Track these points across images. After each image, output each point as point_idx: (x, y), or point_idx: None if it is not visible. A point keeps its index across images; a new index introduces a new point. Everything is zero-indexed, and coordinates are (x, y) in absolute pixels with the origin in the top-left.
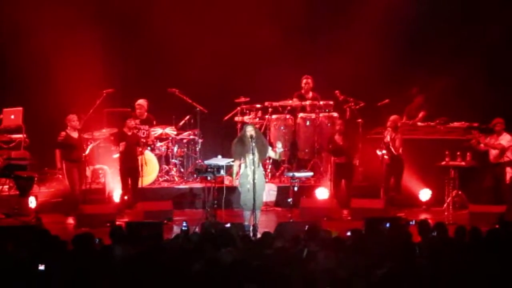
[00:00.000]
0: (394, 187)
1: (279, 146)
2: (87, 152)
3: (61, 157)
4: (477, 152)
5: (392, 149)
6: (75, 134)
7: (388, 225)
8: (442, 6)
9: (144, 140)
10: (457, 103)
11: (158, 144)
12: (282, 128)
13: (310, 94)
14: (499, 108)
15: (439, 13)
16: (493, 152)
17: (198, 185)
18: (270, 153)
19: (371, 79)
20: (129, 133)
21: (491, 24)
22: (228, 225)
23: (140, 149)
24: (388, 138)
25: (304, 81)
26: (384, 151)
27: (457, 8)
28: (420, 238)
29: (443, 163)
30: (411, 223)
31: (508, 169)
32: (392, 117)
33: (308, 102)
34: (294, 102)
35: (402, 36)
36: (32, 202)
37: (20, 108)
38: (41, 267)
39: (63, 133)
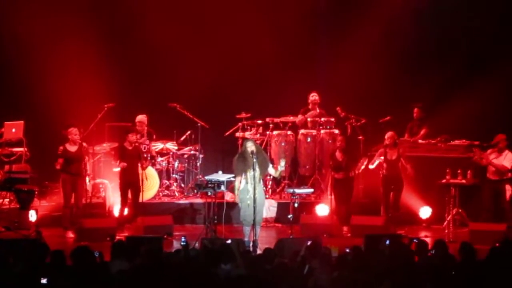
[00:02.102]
0: (393, 204)
1: (282, 164)
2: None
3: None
4: (478, 168)
5: (404, 166)
6: (73, 148)
7: (388, 242)
8: (445, 22)
9: (146, 155)
10: (459, 121)
11: (159, 159)
12: (283, 144)
13: (317, 111)
14: (501, 125)
15: (442, 29)
16: (492, 169)
17: (198, 200)
18: (271, 170)
19: (373, 96)
20: (130, 148)
21: (494, 40)
22: (229, 241)
23: (144, 163)
24: (392, 155)
25: (312, 95)
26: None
27: (460, 24)
28: (417, 258)
29: (444, 181)
30: (414, 240)
31: (507, 186)
32: (389, 134)
33: (309, 119)
34: (299, 118)
35: (404, 54)
36: (32, 216)
37: (21, 122)
38: (44, 281)
39: (61, 148)
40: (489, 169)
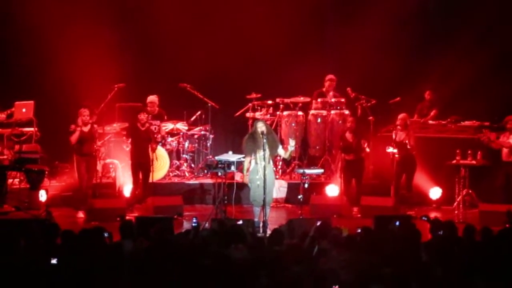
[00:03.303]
0: (406, 185)
1: (292, 144)
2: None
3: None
4: (489, 150)
5: (408, 147)
6: (85, 128)
7: (397, 223)
8: (456, 3)
9: (156, 135)
10: (469, 102)
11: (169, 139)
12: (293, 124)
13: (331, 93)
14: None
15: (452, 10)
16: (505, 151)
17: (208, 180)
18: (280, 151)
19: (383, 76)
20: (143, 128)
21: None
22: (241, 222)
23: (154, 146)
24: (400, 137)
25: (327, 78)
26: (394, 150)
27: (471, 5)
28: (431, 236)
29: (454, 161)
30: (423, 218)
31: None
32: (401, 115)
33: (319, 99)
34: (315, 101)
35: (414, 34)
36: (42, 196)
37: (32, 102)
38: (54, 261)
39: (73, 126)
40: (503, 151)
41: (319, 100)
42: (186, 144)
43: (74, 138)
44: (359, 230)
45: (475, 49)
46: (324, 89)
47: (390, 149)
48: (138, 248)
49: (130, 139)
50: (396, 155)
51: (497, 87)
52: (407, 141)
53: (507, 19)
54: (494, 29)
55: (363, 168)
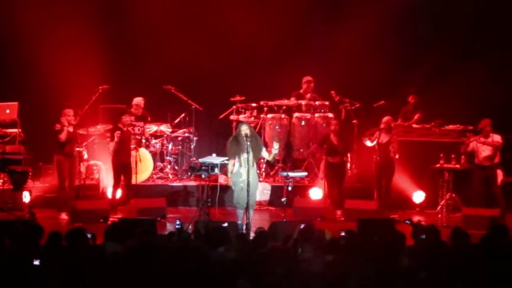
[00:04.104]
0: (384, 189)
1: (275, 147)
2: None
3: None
4: (472, 153)
5: (391, 151)
6: (70, 129)
7: (408, 221)
8: (440, 8)
9: (139, 137)
10: (453, 106)
11: (153, 141)
12: (277, 127)
13: (308, 95)
14: (495, 110)
15: (437, 15)
16: (483, 154)
17: (192, 183)
18: (264, 154)
19: (367, 80)
20: (124, 129)
21: (489, 27)
22: (226, 224)
23: (134, 145)
24: (383, 139)
25: (305, 80)
26: (371, 143)
27: (456, 10)
28: (413, 241)
29: (438, 165)
30: (407, 221)
31: (498, 171)
32: (385, 118)
33: (304, 102)
34: (291, 101)
35: (399, 38)
36: (26, 197)
37: (16, 103)
38: (36, 262)
39: (58, 126)
40: (478, 155)
41: (302, 102)
42: (170, 146)
43: (63, 136)
44: (342, 234)
45: (460, 54)
46: (301, 91)
47: (368, 142)
48: (121, 250)
49: (113, 140)
50: (378, 157)
51: (481, 90)
52: (391, 148)
53: (491, 24)
54: (480, 33)
55: (345, 171)
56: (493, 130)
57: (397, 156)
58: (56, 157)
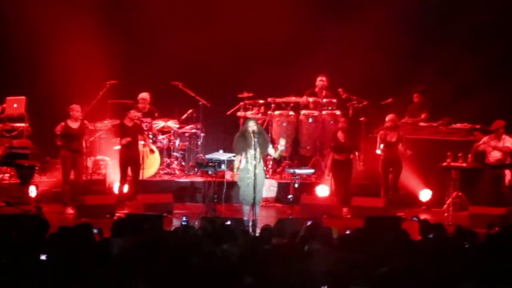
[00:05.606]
0: (392, 186)
1: (282, 143)
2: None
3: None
4: (479, 152)
5: (401, 149)
6: (75, 125)
7: (415, 218)
8: (449, 5)
9: (147, 132)
10: (461, 104)
11: (160, 137)
12: (284, 124)
13: (324, 93)
14: (503, 109)
15: (446, 13)
16: (494, 155)
17: (199, 179)
18: (270, 150)
19: (375, 77)
20: (130, 124)
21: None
22: (229, 222)
23: (147, 143)
24: (391, 137)
25: (319, 79)
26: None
27: (464, 9)
28: (420, 238)
29: (445, 164)
30: (414, 219)
31: (507, 171)
32: (390, 116)
33: (311, 99)
34: (304, 100)
35: (408, 36)
36: (32, 191)
37: (23, 97)
38: (43, 257)
39: (61, 124)
40: (487, 154)
41: (310, 99)
42: (177, 142)
43: (59, 128)
44: (348, 232)
45: (468, 52)
46: (316, 89)
47: (378, 151)
48: (127, 245)
49: (119, 138)
50: (383, 154)
51: (489, 89)
52: (400, 147)
53: (499, 22)
54: (488, 32)
55: (352, 168)
56: (506, 132)
57: (409, 153)
58: (61, 151)
